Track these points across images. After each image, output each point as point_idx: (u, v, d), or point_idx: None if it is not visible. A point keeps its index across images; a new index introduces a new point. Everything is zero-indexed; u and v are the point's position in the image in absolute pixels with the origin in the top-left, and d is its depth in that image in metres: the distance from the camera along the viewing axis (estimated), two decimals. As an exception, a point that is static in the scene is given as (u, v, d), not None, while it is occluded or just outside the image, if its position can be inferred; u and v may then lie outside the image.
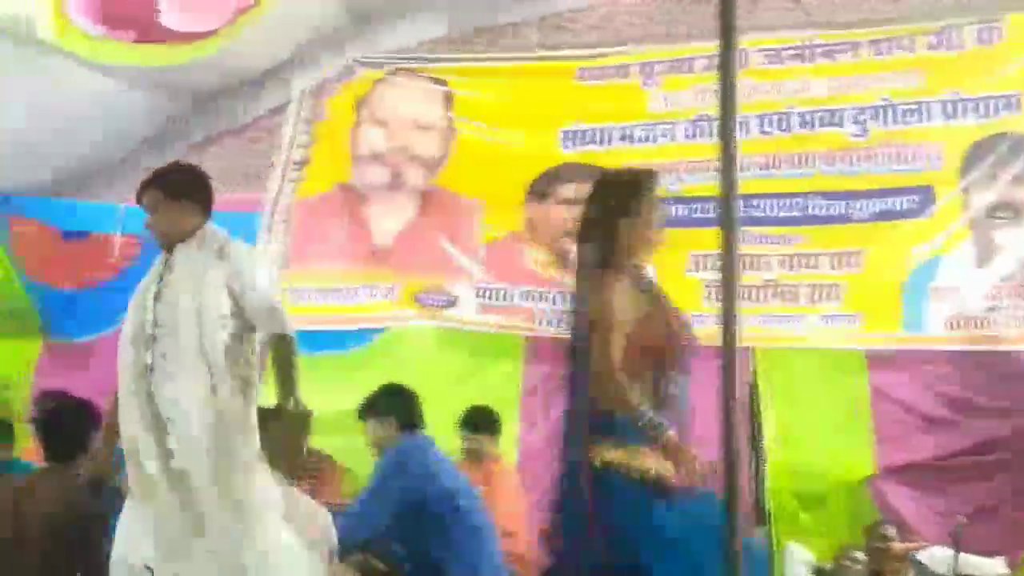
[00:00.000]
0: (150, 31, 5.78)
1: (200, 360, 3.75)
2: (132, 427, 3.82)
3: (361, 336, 6.99)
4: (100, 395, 7.17)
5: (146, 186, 4.06)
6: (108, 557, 4.21)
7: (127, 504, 3.87)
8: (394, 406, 5.32)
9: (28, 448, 5.88)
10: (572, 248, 6.63)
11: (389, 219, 7.16)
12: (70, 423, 4.94)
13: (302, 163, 7.39)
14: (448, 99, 7.19)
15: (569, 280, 6.58)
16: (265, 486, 3.80)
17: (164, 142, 7.87)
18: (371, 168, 7.25)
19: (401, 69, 7.33)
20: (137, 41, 5.78)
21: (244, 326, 3.82)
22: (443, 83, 7.23)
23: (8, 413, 6.81)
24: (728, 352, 2.77)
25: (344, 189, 7.29)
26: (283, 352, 3.81)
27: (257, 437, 3.80)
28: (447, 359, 6.88)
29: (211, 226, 4.04)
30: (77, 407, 5.11)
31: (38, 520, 4.52)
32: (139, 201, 4.08)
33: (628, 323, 3.45)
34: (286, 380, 3.77)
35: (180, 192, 4.02)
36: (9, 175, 7.48)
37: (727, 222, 2.81)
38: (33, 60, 6.12)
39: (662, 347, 3.54)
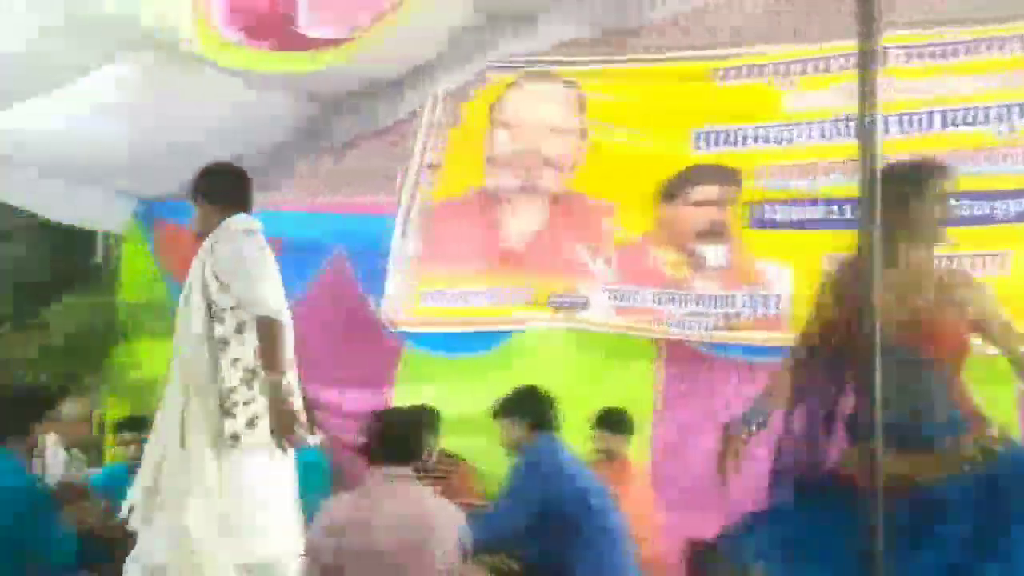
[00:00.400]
0: (289, 39, 5.90)
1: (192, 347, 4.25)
2: None
3: (494, 339, 7.03)
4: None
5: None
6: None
7: None
8: (527, 408, 5.35)
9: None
10: (703, 249, 6.65)
11: (522, 222, 7.19)
12: None
13: (436, 167, 7.46)
14: (580, 102, 7.18)
15: (700, 282, 6.61)
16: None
17: (302, 147, 8.01)
18: (504, 172, 7.28)
19: (534, 73, 7.36)
20: (276, 49, 5.91)
21: (221, 311, 4.26)
22: (575, 86, 7.23)
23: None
24: (871, 355, 2.73)
25: (478, 193, 7.34)
26: (263, 331, 4.16)
27: (216, 423, 4.13)
28: (580, 361, 6.89)
29: (227, 222, 4.46)
30: None
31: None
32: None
33: None
34: (264, 352, 4.13)
35: (200, 192, 4.58)
36: (155, 181, 7.72)
37: (868, 223, 2.77)
38: (178, 69, 6.30)
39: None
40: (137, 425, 6.27)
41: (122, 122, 6.66)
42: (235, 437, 4.10)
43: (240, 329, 4.22)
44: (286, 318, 4.23)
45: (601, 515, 5.12)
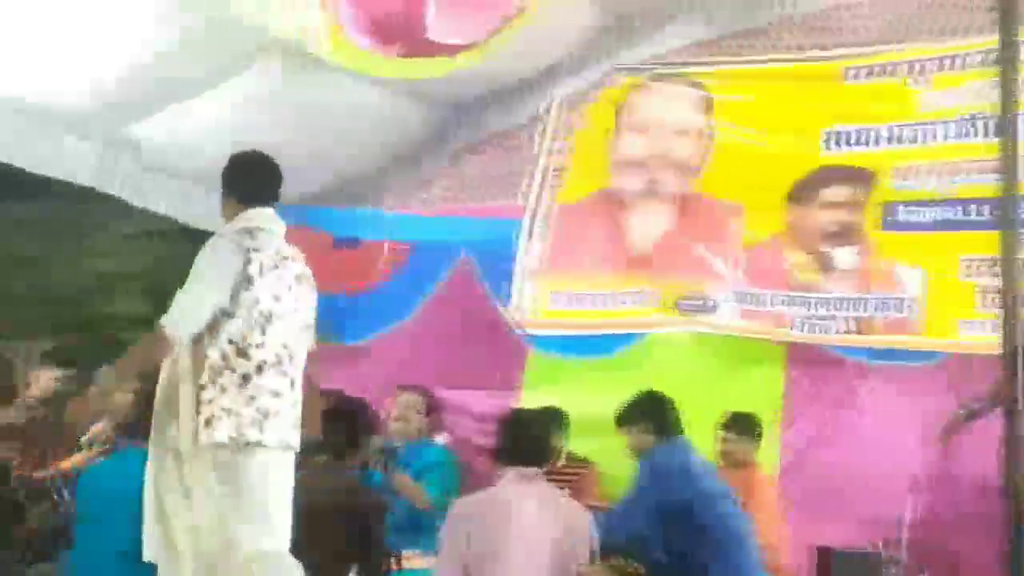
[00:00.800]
0: (418, 45, 5.96)
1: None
2: None
3: (620, 341, 7.01)
4: (369, 396, 7.51)
5: None
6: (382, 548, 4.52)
7: None
8: (651, 412, 5.33)
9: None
10: (833, 252, 6.54)
11: (648, 225, 7.15)
12: (347, 421, 5.13)
13: (561, 170, 7.48)
14: (707, 103, 7.13)
15: (830, 284, 6.50)
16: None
17: (427, 151, 8.11)
18: (629, 174, 7.26)
19: (660, 74, 7.32)
20: (405, 55, 5.98)
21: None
22: (702, 87, 7.18)
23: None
24: (1008, 360, 2.67)
25: (603, 195, 7.33)
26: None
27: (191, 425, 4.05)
28: (707, 365, 6.82)
29: (229, 224, 4.33)
30: (354, 406, 5.32)
31: (319, 512, 4.74)
32: None
33: None
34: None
35: (222, 182, 4.44)
36: (287, 184, 7.86)
37: (1007, 223, 2.71)
38: (309, 76, 6.43)
39: None
40: None
41: (255, 128, 6.80)
42: (196, 435, 4.03)
43: (211, 327, 4.10)
44: (172, 331, 4.04)
45: (727, 520, 5.07)
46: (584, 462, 6.55)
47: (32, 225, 9.44)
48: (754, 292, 6.72)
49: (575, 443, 6.57)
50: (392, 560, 5.07)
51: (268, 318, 4.13)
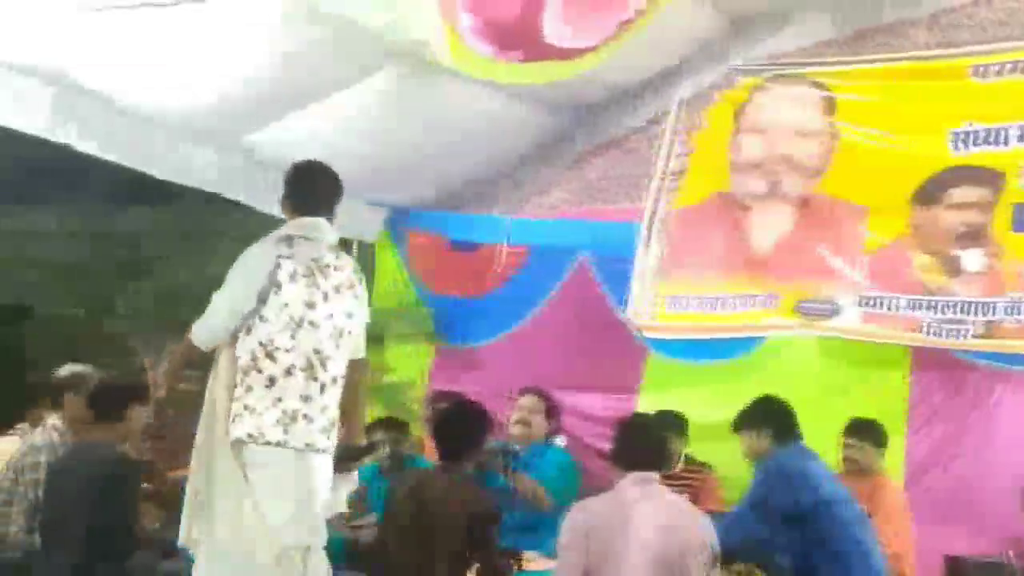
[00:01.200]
0: (536, 50, 5.96)
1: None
2: None
3: (740, 345, 6.92)
4: (486, 399, 7.56)
5: None
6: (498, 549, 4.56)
7: None
8: (770, 417, 5.29)
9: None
10: (961, 254, 6.37)
11: (768, 227, 7.04)
12: (462, 425, 5.19)
13: (680, 172, 7.42)
14: (830, 103, 7.00)
15: (957, 287, 6.34)
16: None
17: (546, 155, 8.14)
18: (750, 176, 7.16)
19: (780, 75, 7.23)
20: (525, 60, 5.99)
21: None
22: (824, 87, 7.05)
23: (406, 413, 7.27)
24: None
25: (722, 198, 7.24)
26: None
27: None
28: (830, 369, 6.69)
29: (275, 231, 4.45)
30: (469, 409, 5.38)
31: (436, 515, 4.79)
32: None
33: None
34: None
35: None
36: (406, 189, 7.98)
37: None
38: (428, 81, 6.49)
39: None
40: (390, 426, 6.48)
41: (377, 134, 6.92)
42: (226, 432, 4.21)
43: (247, 330, 4.27)
44: (195, 338, 4.36)
45: (848, 527, 5.00)
46: (703, 466, 6.51)
47: (160, 229, 9.70)
48: (878, 295, 6.56)
49: (694, 447, 6.53)
50: (512, 561, 5.10)
51: (299, 323, 4.25)
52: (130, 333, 8.63)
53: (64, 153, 5.96)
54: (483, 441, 5.24)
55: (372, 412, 7.68)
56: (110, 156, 6.11)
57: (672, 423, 6.32)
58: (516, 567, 5.12)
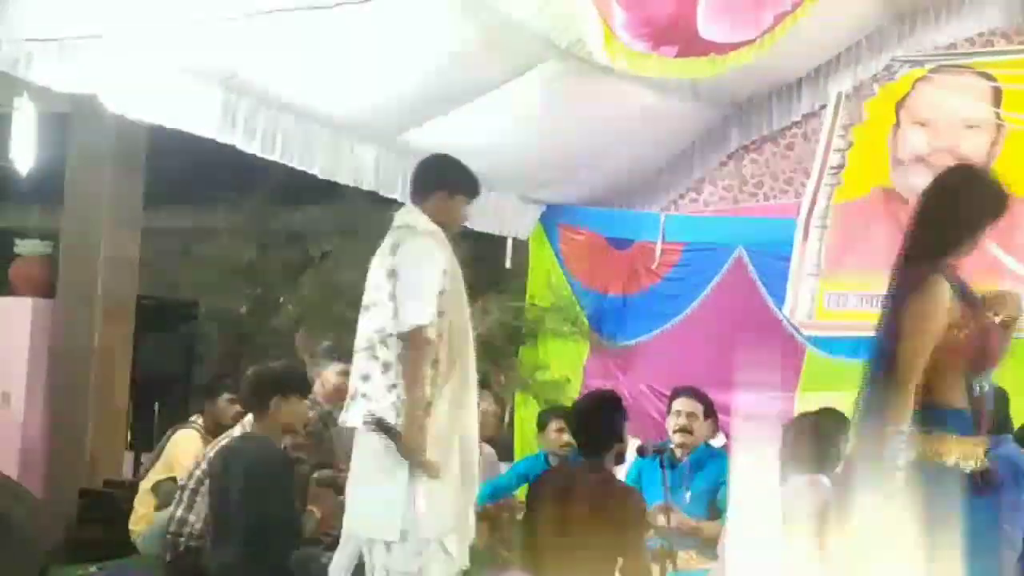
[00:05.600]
0: (692, 44, 5.92)
1: None
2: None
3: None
4: (641, 396, 7.54)
5: None
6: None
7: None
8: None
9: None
10: None
11: (933, 223, 6.85)
12: (599, 416, 5.04)
13: (839, 167, 7.29)
14: (997, 94, 6.79)
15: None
16: None
17: (702, 151, 8.07)
18: (913, 170, 6.99)
19: (945, 66, 7.03)
20: (680, 55, 5.96)
21: None
22: (991, 78, 6.84)
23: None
24: None
25: (884, 192, 7.09)
26: None
27: None
28: (1005, 368, 6.46)
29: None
30: (610, 402, 5.23)
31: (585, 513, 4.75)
32: None
33: (940, 331, 3.43)
34: None
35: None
36: (561, 185, 8.01)
37: None
38: (585, 78, 6.50)
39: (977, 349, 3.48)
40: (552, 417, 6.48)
41: (532, 131, 6.95)
42: None
43: None
44: None
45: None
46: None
47: (321, 228, 9.91)
48: (1052, 292, 6.33)
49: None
50: (669, 562, 5.05)
51: (366, 308, 4.37)
52: (294, 330, 8.83)
53: (231, 152, 6.13)
54: (622, 431, 5.06)
55: (527, 409, 7.75)
56: (274, 156, 6.27)
57: (838, 422, 6.19)
58: (672, 567, 5.08)
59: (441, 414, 4.24)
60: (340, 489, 5.60)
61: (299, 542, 5.06)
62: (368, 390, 4.27)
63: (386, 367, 4.25)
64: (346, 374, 6.17)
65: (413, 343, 4.19)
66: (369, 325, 4.33)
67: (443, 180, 4.57)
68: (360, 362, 4.33)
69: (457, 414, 4.34)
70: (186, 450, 6.13)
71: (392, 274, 4.29)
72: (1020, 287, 6.36)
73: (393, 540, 4.17)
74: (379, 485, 4.23)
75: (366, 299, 4.38)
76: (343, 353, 6.22)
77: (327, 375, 6.24)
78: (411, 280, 4.26)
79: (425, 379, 4.19)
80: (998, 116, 6.76)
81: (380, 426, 4.18)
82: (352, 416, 4.32)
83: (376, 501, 4.24)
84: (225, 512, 4.99)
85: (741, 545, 4.48)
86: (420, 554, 4.18)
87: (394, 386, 4.22)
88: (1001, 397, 5.07)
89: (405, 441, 4.15)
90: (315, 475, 5.64)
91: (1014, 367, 6.35)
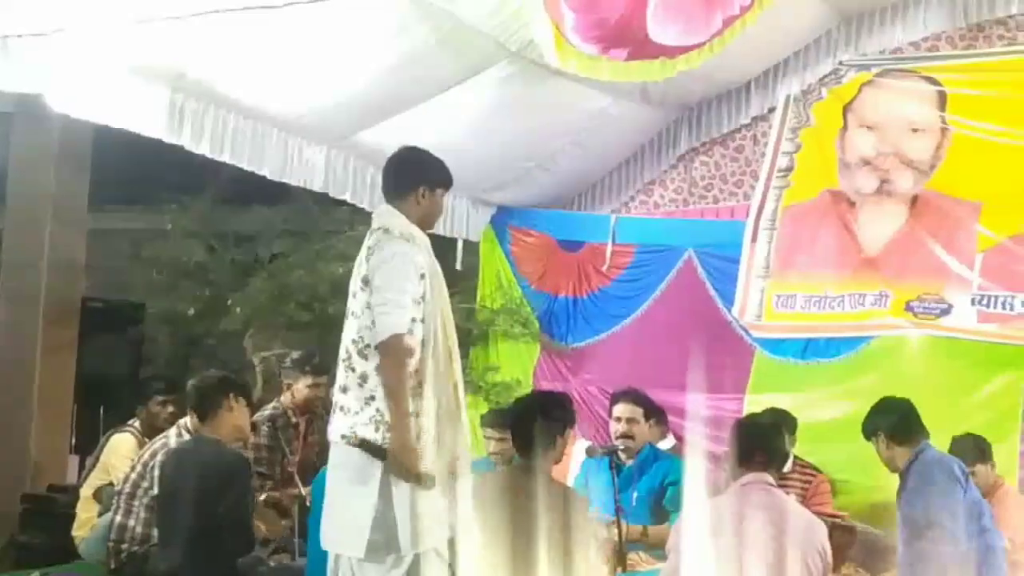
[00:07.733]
0: (642, 48, 5.93)
1: None
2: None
3: (849, 345, 6.83)
4: (591, 398, 7.55)
5: None
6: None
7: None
8: (893, 423, 5.25)
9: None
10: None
11: (878, 225, 6.92)
12: (535, 419, 4.78)
13: (788, 170, 7.34)
14: (942, 98, 6.87)
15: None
16: None
17: (652, 153, 8.10)
18: (860, 173, 7.04)
19: (891, 70, 7.11)
20: (630, 58, 5.97)
21: None
22: (936, 82, 6.92)
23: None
24: None
25: (832, 195, 7.14)
26: None
27: None
28: (942, 370, 6.52)
29: None
30: (543, 404, 5.03)
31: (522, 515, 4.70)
32: None
33: None
34: None
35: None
36: (513, 187, 8.01)
37: None
38: (535, 81, 6.51)
39: None
40: (498, 421, 6.46)
41: (484, 133, 6.95)
42: None
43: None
44: None
45: (988, 534, 4.94)
46: (812, 468, 6.41)
47: (270, 229, 9.86)
48: (994, 294, 6.42)
49: (802, 448, 6.44)
50: (617, 563, 5.06)
51: (347, 317, 4.20)
52: (243, 332, 8.77)
53: (180, 153, 6.08)
54: (560, 432, 4.79)
55: (476, 410, 7.74)
56: (223, 157, 6.22)
57: (783, 423, 6.24)
58: (620, 568, 5.09)
59: (427, 426, 4.05)
60: (284, 511, 5.62)
61: (251, 546, 5.06)
62: (346, 402, 4.09)
63: (363, 379, 4.07)
64: (317, 386, 6.21)
65: (391, 353, 3.99)
66: (347, 335, 4.16)
67: (424, 174, 4.34)
68: (339, 373, 4.16)
69: (447, 425, 4.15)
70: (121, 454, 6.09)
71: (367, 281, 4.11)
72: (958, 289, 6.49)
73: (359, 556, 4.01)
74: (347, 500, 4.07)
75: (348, 307, 4.21)
76: (315, 365, 6.26)
77: (298, 387, 6.28)
78: (385, 287, 4.04)
79: (407, 390, 4.00)
80: (943, 120, 6.83)
81: (365, 447, 4.01)
82: (332, 430, 4.14)
83: (344, 516, 4.09)
84: (175, 514, 4.96)
85: (696, 545, 4.47)
86: (391, 571, 4.03)
87: (372, 399, 4.04)
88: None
89: (392, 459, 3.97)
90: (262, 497, 5.65)
91: (949, 368, 6.55)
